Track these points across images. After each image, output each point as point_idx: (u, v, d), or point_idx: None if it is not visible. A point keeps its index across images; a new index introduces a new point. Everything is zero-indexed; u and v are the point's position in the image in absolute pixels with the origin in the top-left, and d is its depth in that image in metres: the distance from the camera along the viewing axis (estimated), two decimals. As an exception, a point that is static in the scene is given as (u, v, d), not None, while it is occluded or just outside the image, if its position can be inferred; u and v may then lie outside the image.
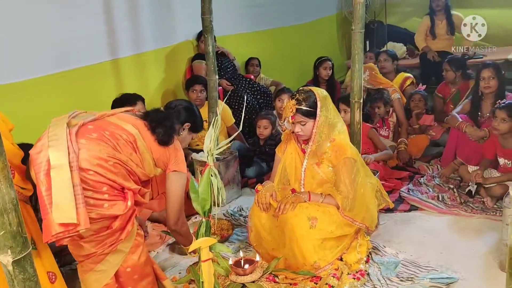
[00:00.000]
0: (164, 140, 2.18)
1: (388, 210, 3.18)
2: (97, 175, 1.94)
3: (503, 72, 3.70)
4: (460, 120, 3.63)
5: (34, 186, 2.09)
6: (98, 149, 1.96)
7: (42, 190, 1.85)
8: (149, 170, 2.19)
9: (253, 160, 4.03)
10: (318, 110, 2.51)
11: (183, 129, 2.44)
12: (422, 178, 3.71)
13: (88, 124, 2.06)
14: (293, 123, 2.53)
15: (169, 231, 2.42)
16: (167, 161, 2.23)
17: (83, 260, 2.03)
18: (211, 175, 1.93)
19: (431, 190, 3.52)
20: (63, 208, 1.79)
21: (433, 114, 4.40)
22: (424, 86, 4.58)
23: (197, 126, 2.53)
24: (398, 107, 4.30)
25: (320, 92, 2.56)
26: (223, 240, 3.01)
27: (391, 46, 6.35)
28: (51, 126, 2.00)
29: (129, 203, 2.01)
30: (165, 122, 2.20)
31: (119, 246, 2.02)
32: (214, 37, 4.64)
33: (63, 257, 2.72)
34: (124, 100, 3.09)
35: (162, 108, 2.49)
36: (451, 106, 4.28)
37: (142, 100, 2.95)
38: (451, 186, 3.50)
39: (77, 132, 1.97)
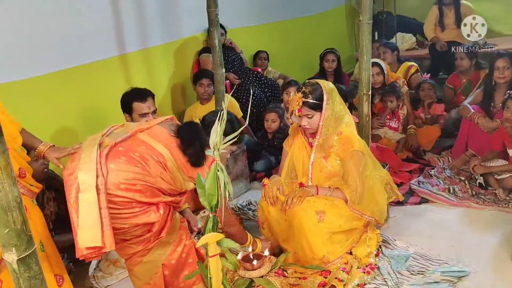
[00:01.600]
0: (195, 162, 2.15)
1: (398, 203, 3.15)
2: (125, 198, 1.98)
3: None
4: (472, 111, 3.58)
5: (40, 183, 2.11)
6: (126, 174, 1.98)
7: (72, 212, 1.90)
8: (180, 186, 2.18)
9: (261, 153, 4.02)
10: (325, 103, 2.48)
11: None
12: (432, 170, 3.67)
13: (119, 145, 2.06)
14: (299, 116, 2.51)
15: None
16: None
17: (130, 257, 2.09)
18: (218, 170, 1.91)
19: (441, 182, 3.48)
20: (88, 232, 1.84)
21: (443, 103, 4.34)
22: (428, 75, 4.51)
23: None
24: (407, 100, 4.26)
25: (327, 85, 2.54)
26: (232, 234, 3.00)
27: (400, 37, 6.28)
28: (84, 147, 2.03)
29: (161, 211, 2.05)
30: (196, 142, 2.14)
31: (164, 238, 2.08)
32: (225, 30, 4.65)
33: (72, 252, 2.73)
34: (134, 94, 3.07)
35: (198, 120, 2.41)
36: (463, 97, 4.22)
37: (152, 96, 2.94)
38: (462, 178, 3.46)
39: (107, 155, 2.00)
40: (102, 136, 2.08)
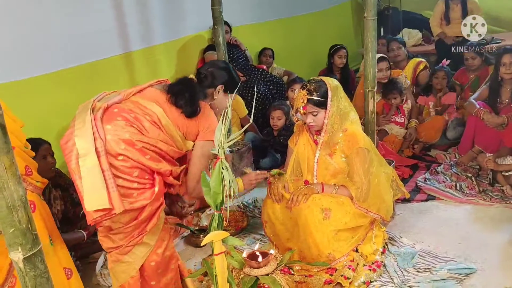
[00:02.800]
0: (189, 111, 2.11)
1: (404, 200, 3.14)
2: (127, 159, 1.92)
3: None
4: (478, 106, 3.55)
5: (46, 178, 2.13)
6: (123, 133, 1.94)
7: (76, 178, 1.87)
8: (180, 146, 2.14)
9: (267, 151, 4.01)
10: (329, 100, 2.47)
11: (218, 92, 2.31)
12: (439, 167, 3.65)
13: (113, 107, 2.02)
14: (304, 113, 2.51)
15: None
16: (197, 132, 2.18)
17: (111, 250, 2.05)
18: (222, 168, 1.91)
19: (448, 179, 3.46)
20: (93, 195, 1.81)
21: (455, 92, 4.28)
22: (448, 61, 4.45)
23: (232, 86, 2.33)
24: (409, 94, 4.23)
25: (331, 82, 2.53)
26: (238, 232, 3.01)
27: (407, 32, 6.24)
28: (77, 114, 1.99)
29: (156, 189, 1.99)
30: (185, 93, 2.11)
31: (144, 238, 2.02)
32: (230, 27, 4.64)
33: (79, 250, 2.75)
34: None
35: (193, 75, 2.38)
36: (470, 93, 4.18)
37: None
38: (469, 175, 3.44)
39: (102, 117, 1.95)
40: (94, 101, 2.03)
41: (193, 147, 2.21)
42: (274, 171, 2.64)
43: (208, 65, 2.42)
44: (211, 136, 2.12)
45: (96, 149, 1.85)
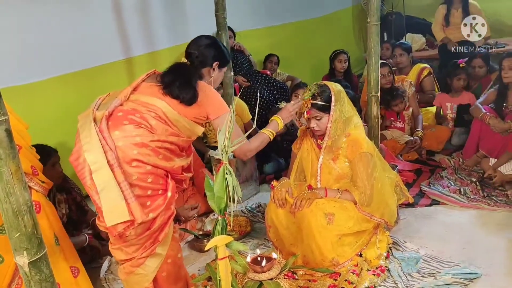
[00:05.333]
0: (187, 99, 2.05)
1: (408, 205, 3.13)
2: (141, 164, 1.90)
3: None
4: (484, 111, 3.54)
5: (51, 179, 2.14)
6: (134, 137, 1.92)
7: (93, 194, 1.87)
8: (188, 134, 2.10)
9: (271, 156, 4.01)
10: (332, 104, 2.48)
11: (213, 70, 2.29)
12: (443, 172, 3.64)
13: (116, 111, 1.99)
14: (308, 118, 2.51)
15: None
16: (206, 113, 2.13)
17: (124, 262, 2.03)
18: (226, 173, 1.91)
19: (452, 183, 3.45)
20: (113, 210, 1.80)
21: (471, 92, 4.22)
22: (465, 59, 4.35)
23: (225, 60, 2.33)
24: (413, 101, 4.19)
25: (335, 87, 2.54)
26: (242, 236, 3.01)
27: (410, 37, 6.24)
28: (80, 127, 1.96)
29: (169, 194, 1.99)
30: (177, 81, 2.07)
31: (157, 249, 2.01)
32: (234, 32, 4.66)
33: (84, 256, 2.76)
34: None
35: (183, 58, 2.32)
36: (474, 99, 4.18)
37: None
38: (474, 179, 3.43)
39: (108, 125, 1.93)
40: (93, 111, 1.99)
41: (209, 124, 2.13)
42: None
43: (195, 44, 2.32)
44: (223, 109, 2.14)
45: (108, 161, 1.83)
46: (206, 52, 2.27)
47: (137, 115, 1.98)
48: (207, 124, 2.18)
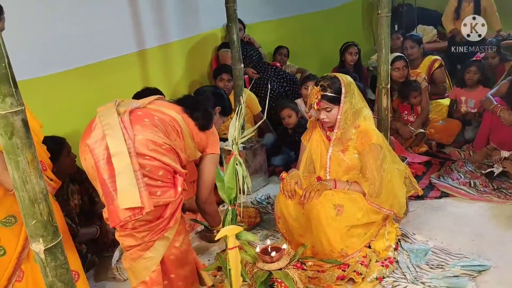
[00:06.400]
0: (204, 125, 2.25)
1: (418, 197, 3.13)
2: (153, 159, 1.98)
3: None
4: (495, 103, 3.51)
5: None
6: (152, 134, 2.01)
7: (105, 177, 1.91)
8: (190, 154, 2.25)
9: (281, 148, 4.01)
10: (343, 96, 2.48)
11: (215, 113, 2.55)
12: (453, 164, 3.63)
13: (136, 111, 2.09)
14: (318, 109, 2.52)
15: (198, 209, 2.56)
16: (206, 145, 2.33)
17: (131, 249, 2.06)
18: (236, 164, 1.94)
19: (462, 176, 3.44)
20: (127, 193, 1.86)
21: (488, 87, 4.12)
22: (483, 55, 4.30)
23: (227, 110, 2.69)
24: (425, 95, 4.17)
25: (345, 78, 2.53)
26: (251, 227, 3.03)
27: (421, 29, 6.18)
28: (100, 116, 2.04)
29: (179, 188, 2.05)
30: (200, 107, 2.26)
31: (166, 233, 2.06)
32: (244, 25, 4.66)
33: (95, 245, 2.80)
34: (146, 94, 3.12)
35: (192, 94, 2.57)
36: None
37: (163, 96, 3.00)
38: (484, 172, 3.41)
39: (130, 118, 2.02)
40: (115, 106, 2.08)
41: (200, 159, 2.38)
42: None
43: (205, 87, 2.72)
44: (217, 149, 2.39)
45: (127, 149, 1.91)
46: (212, 96, 2.63)
47: (156, 118, 2.09)
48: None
